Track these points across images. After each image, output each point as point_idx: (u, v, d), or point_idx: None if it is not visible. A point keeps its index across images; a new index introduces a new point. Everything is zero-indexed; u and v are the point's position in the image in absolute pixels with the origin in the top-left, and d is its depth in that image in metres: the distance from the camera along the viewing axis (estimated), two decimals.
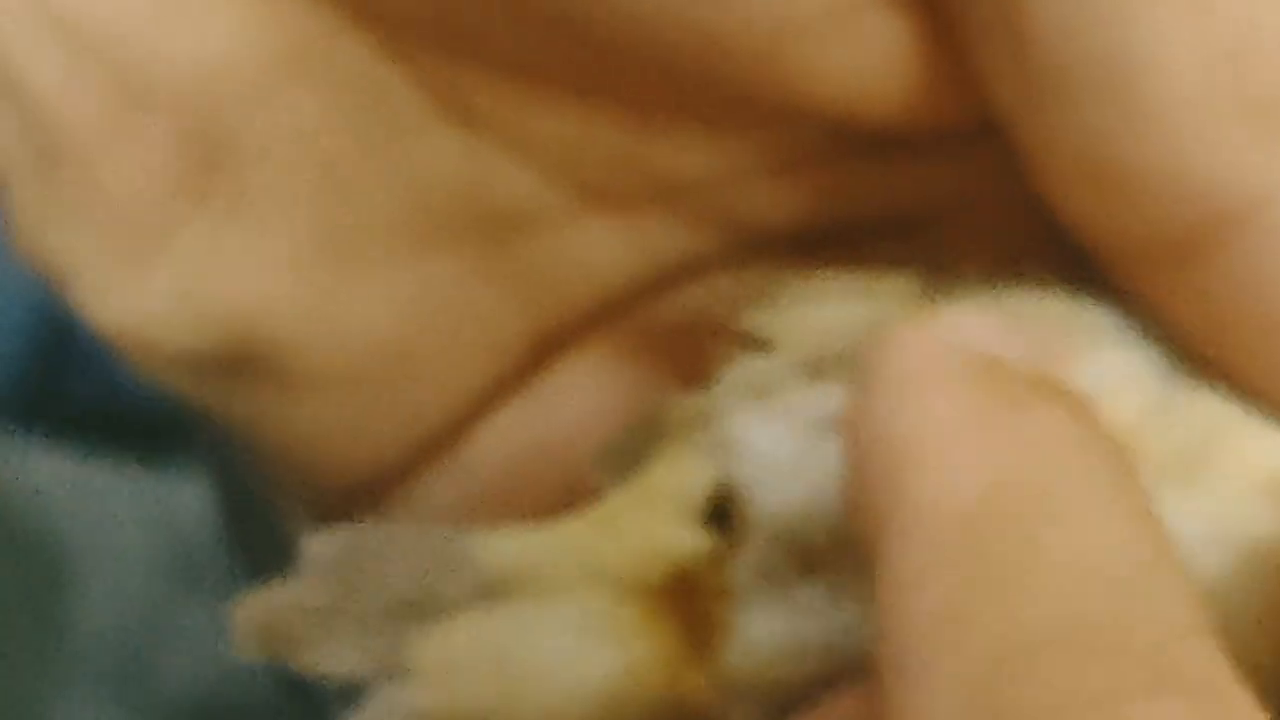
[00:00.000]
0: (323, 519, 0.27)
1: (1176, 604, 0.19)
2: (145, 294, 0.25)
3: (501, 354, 0.26)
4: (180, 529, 0.88)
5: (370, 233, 0.26)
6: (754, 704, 0.22)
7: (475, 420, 0.27)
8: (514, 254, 0.26)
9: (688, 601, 0.23)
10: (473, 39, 0.25)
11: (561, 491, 0.26)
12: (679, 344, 0.27)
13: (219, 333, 0.25)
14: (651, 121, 0.25)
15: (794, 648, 0.22)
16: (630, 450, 0.24)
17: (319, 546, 0.23)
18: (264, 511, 0.29)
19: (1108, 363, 0.23)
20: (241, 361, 0.25)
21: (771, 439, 0.23)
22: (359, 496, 0.27)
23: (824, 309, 0.24)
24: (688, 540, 0.23)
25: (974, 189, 0.26)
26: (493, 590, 0.23)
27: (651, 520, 0.23)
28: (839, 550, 0.22)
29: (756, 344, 0.24)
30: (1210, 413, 0.23)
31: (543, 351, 0.27)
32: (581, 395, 0.27)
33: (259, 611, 0.23)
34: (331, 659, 0.23)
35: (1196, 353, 0.23)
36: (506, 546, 0.23)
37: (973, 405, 0.20)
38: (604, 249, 0.26)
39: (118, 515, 0.82)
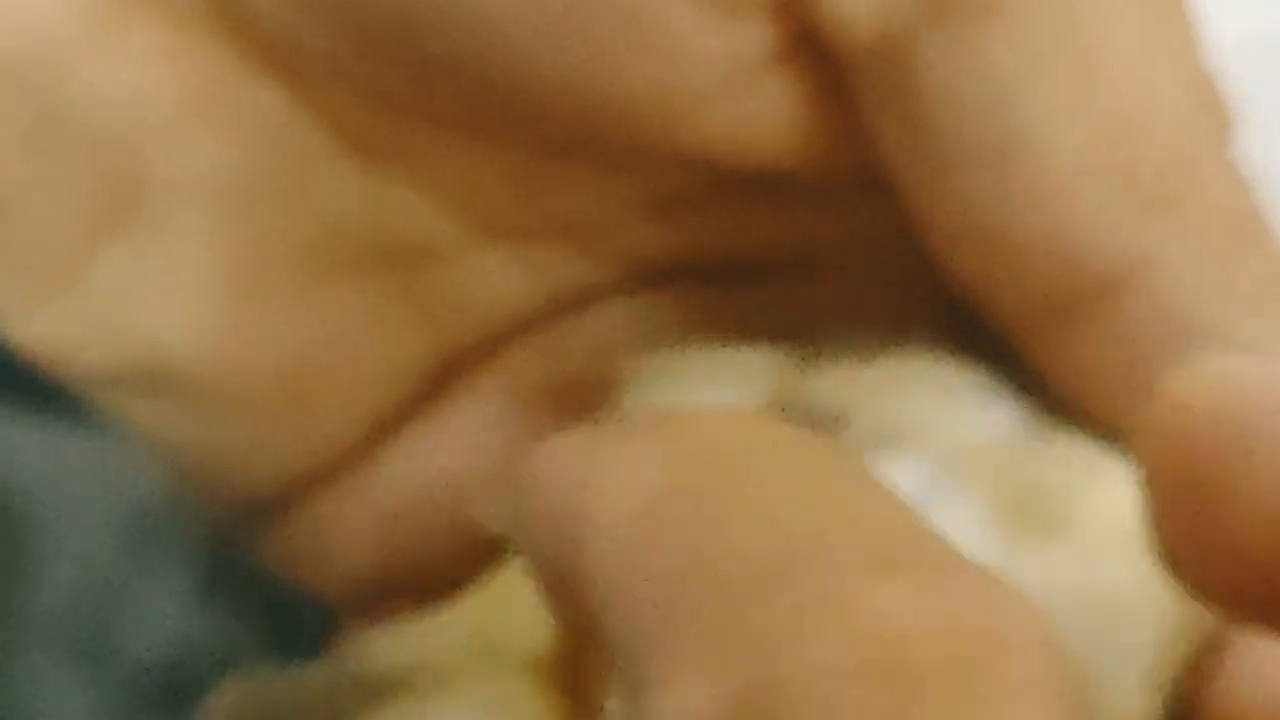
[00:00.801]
0: (231, 529, 0.28)
1: (885, 508, 0.18)
2: (61, 320, 0.26)
3: (403, 379, 0.27)
4: (139, 489, 0.89)
5: (277, 264, 0.27)
6: None
7: (378, 444, 0.28)
8: (415, 284, 0.27)
9: (576, 675, 0.23)
10: (374, 82, 0.26)
11: (458, 515, 0.27)
12: (570, 374, 0.27)
13: (131, 356, 0.26)
14: (545, 162, 0.27)
15: None
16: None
17: (227, 697, 0.24)
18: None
19: (967, 420, 0.24)
20: (153, 382, 0.26)
21: None
22: (264, 514, 0.28)
23: (692, 390, 0.24)
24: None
25: (862, 235, 0.27)
26: (394, 689, 0.24)
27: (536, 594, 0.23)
28: None
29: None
30: (1069, 464, 0.24)
31: (444, 377, 0.28)
32: (480, 421, 0.28)
33: None
34: None
35: (1071, 404, 0.24)
36: (398, 644, 0.24)
37: (626, 431, 0.20)
38: (501, 279, 0.28)
39: (76, 477, 0.82)
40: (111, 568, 0.91)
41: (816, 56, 0.25)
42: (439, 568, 0.27)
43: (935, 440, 0.23)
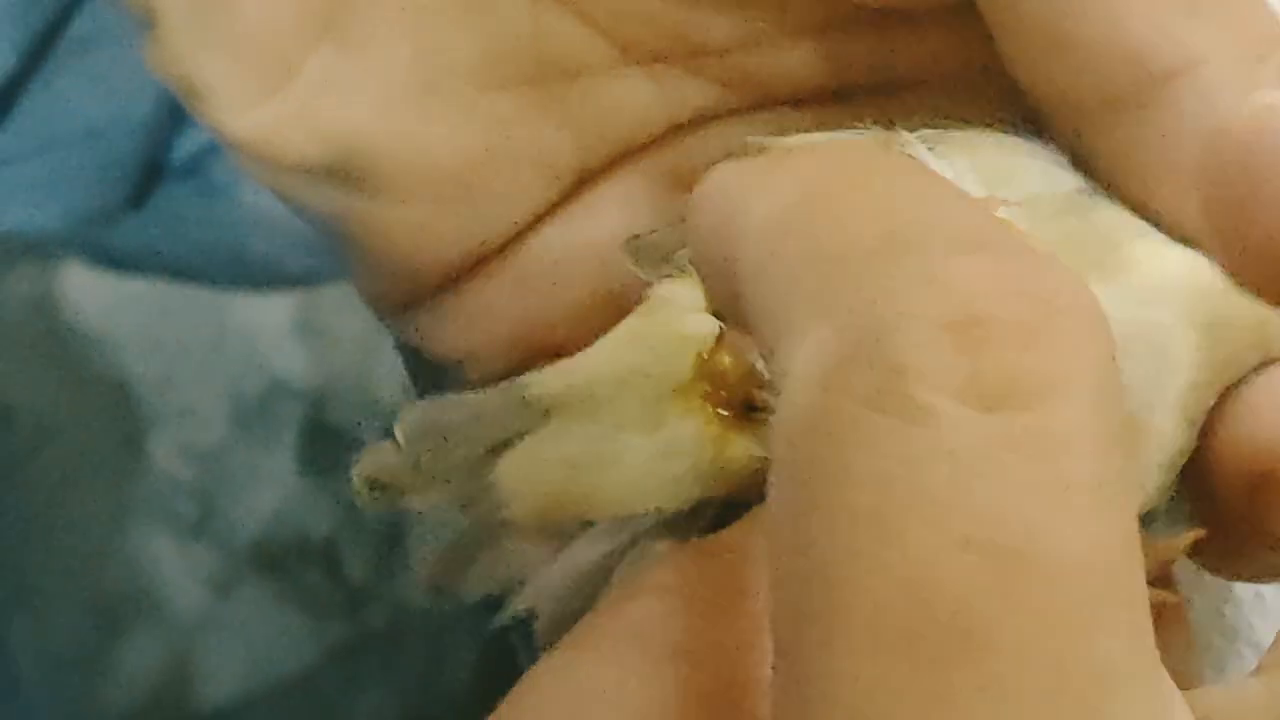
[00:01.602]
0: (398, 312, 0.31)
1: (969, 208, 0.23)
2: (272, 111, 0.29)
3: (552, 179, 0.31)
4: (244, 372, 0.91)
5: (454, 71, 0.30)
6: None
7: (527, 233, 0.31)
8: (565, 96, 0.31)
9: (722, 388, 0.26)
10: None
11: (597, 291, 0.30)
12: (691, 180, 0.31)
13: (328, 146, 0.29)
14: None
15: None
16: (655, 244, 0.28)
17: (409, 417, 0.27)
18: None
19: (1042, 172, 0.27)
20: (343, 171, 0.30)
21: None
22: (427, 293, 0.31)
23: None
24: (708, 323, 0.26)
25: (950, 58, 0.30)
26: (554, 411, 0.27)
27: (673, 320, 0.27)
28: None
29: None
30: (1122, 220, 0.27)
31: (585, 180, 0.31)
32: (615, 214, 0.31)
33: (367, 469, 0.27)
34: (426, 501, 0.27)
35: (1120, 190, 0.27)
36: (551, 379, 0.27)
37: (765, 165, 0.25)
38: (639, 97, 0.32)
39: (189, 353, 0.84)
40: (221, 448, 0.93)
41: None
42: (577, 338, 0.30)
43: (1018, 187, 0.26)
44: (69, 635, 0.84)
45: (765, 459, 0.24)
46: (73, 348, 0.84)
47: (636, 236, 0.29)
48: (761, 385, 0.26)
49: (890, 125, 0.28)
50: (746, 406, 0.26)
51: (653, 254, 0.29)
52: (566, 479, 0.26)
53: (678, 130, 0.32)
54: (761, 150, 0.26)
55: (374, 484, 0.27)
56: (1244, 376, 0.26)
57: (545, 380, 0.28)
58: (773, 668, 0.20)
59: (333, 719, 0.91)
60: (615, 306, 0.29)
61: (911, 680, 0.18)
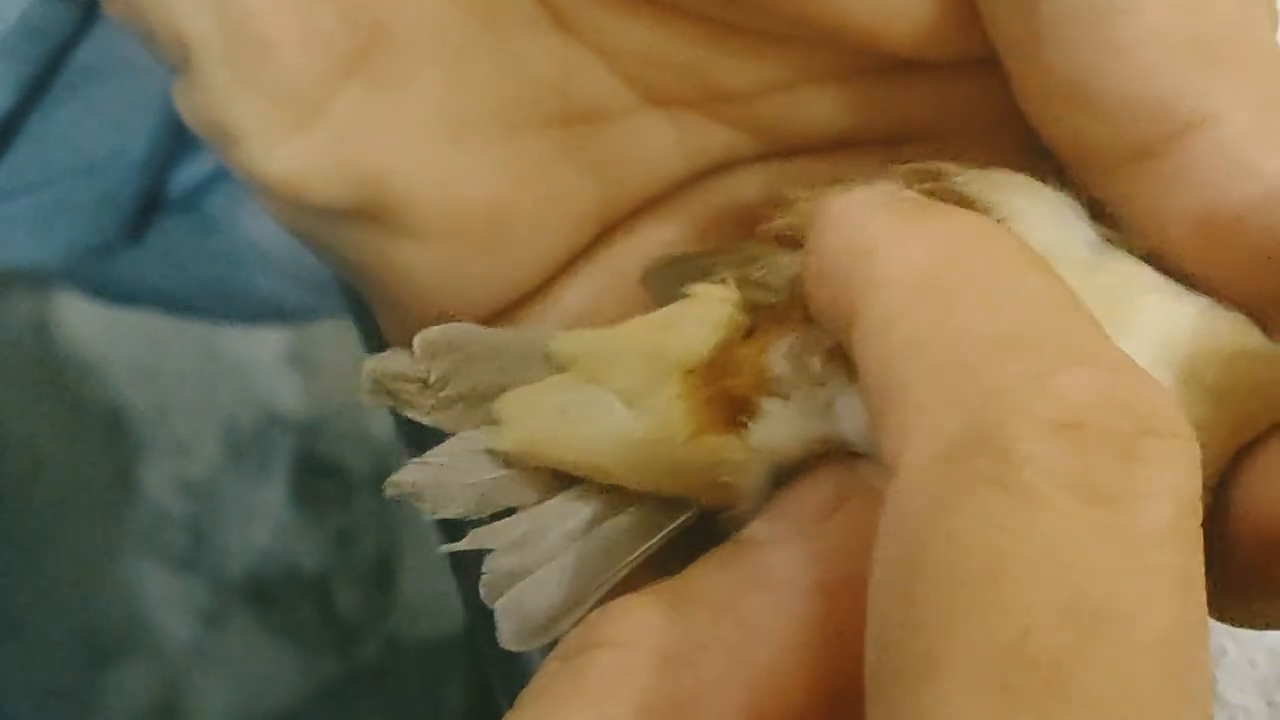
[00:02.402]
0: None
1: (1083, 318, 0.25)
2: (302, 150, 0.29)
3: (576, 224, 0.31)
4: (237, 404, 0.91)
5: (482, 114, 0.30)
6: (765, 471, 0.26)
7: (553, 281, 0.31)
8: (589, 141, 0.31)
9: (728, 384, 0.27)
10: None
11: None
12: (710, 226, 0.31)
13: (358, 185, 0.30)
14: (713, 37, 0.31)
15: (809, 435, 0.26)
16: (674, 271, 0.29)
17: (432, 333, 0.28)
18: None
19: (1049, 222, 0.28)
20: (370, 211, 0.30)
21: None
22: None
23: None
24: (737, 315, 0.27)
25: (971, 108, 0.30)
26: (567, 366, 0.28)
27: (704, 307, 0.27)
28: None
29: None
30: (1131, 277, 0.27)
31: (608, 226, 0.31)
32: (639, 261, 0.31)
33: (377, 370, 0.28)
34: (428, 417, 0.28)
35: (1140, 237, 0.28)
36: (576, 339, 0.28)
37: (903, 214, 0.26)
38: (661, 142, 0.32)
39: (182, 385, 0.84)
40: (212, 481, 0.93)
41: None
42: None
43: (1036, 233, 0.27)
44: (58, 665, 0.84)
45: (728, 467, 0.27)
46: (67, 378, 0.85)
47: (657, 265, 0.30)
48: (765, 391, 0.27)
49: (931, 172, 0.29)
50: (736, 411, 0.27)
51: (673, 283, 0.29)
52: (555, 425, 0.28)
53: (699, 177, 0.32)
54: (891, 190, 0.27)
55: (378, 386, 0.28)
56: (1262, 436, 0.26)
57: (570, 338, 0.28)
58: (867, 706, 0.22)
59: None
60: None
61: (1002, 715, 0.21)
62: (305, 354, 0.92)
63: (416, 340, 0.28)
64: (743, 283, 0.27)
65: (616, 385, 0.28)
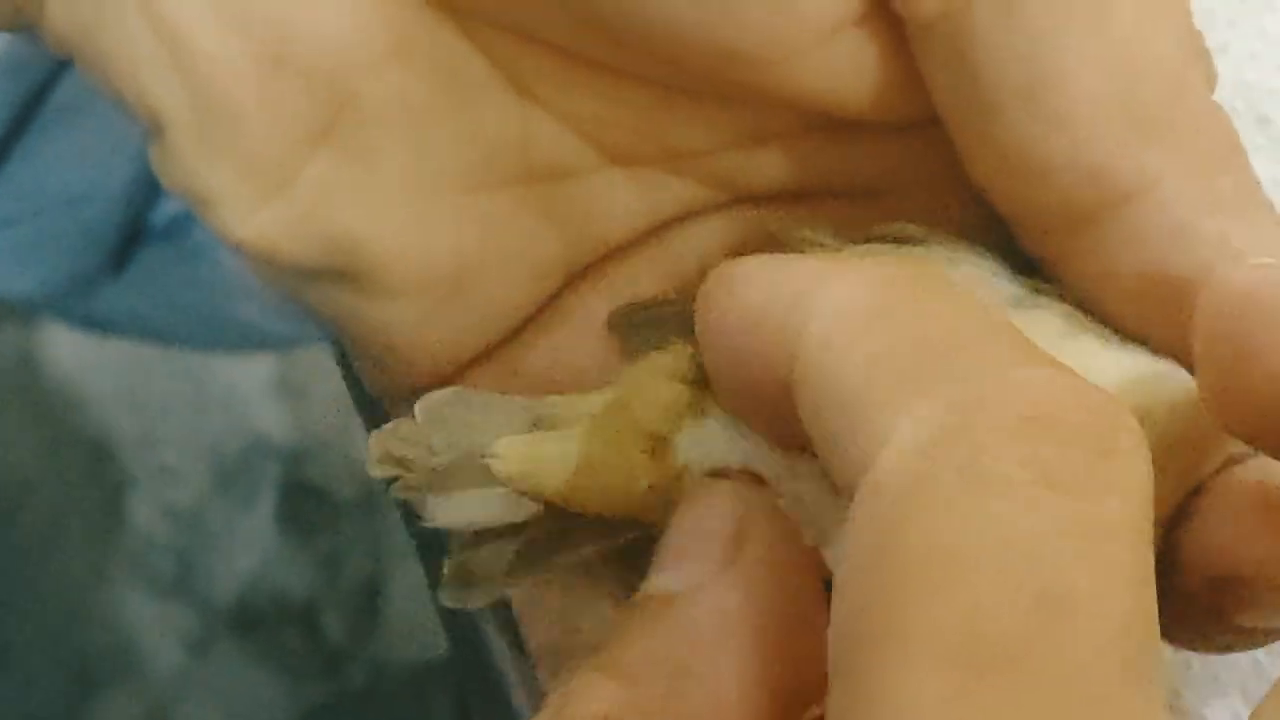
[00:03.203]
0: (404, 400, 0.32)
1: (1009, 324, 0.25)
2: (273, 217, 0.30)
3: (541, 276, 0.32)
4: (223, 432, 0.92)
5: (445, 175, 0.31)
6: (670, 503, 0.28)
7: (523, 330, 0.32)
8: (552, 197, 0.32)
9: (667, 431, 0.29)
10: (531, 28, 0.31)
11: (593, 384, 0.31)
12: (672, 279, 0.32)
13: (328, 248, 0.31)
14: (666, 100, 0.32)
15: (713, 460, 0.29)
16: (638, 318, 0.30)
17: (434, 399, 0.30)
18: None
19: (971, 282, 0.29)
20: (342, 272, 0.31)
21: None
22: (422, 388, 0.32)
23: None
24: (686, 393, 0.28)
25: (919, 164, 0.31)
26: (542, 424, 0.29)
27: (659, 386, 0.28)
28: None
29: None
30: (1046, 328, 0.28)
31: (573, 277, 0.32)
32: (605, 309, 0.32)
33: (386, 441, 0.29)
34: (429, 491, 0.29)
35: (1081, 299, 0.29)
36: (564, 405, 0.29)
37: (822, 259, 0.28)
38: (622, 196, 0.32)
39: (168, 413, 0.84)
40: (198, 510, 0.93)
41: (889, 20, 0.29)
42: None
43: (969, 277, 0.28)
44: (46, 694, 0.84)
45: (657, 485, 0.29)
46: (53, 408, 0.85)
47: (622, 312, 0.31)
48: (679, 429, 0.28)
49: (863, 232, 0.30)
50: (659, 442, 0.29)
51: (638, 330, 0.30)
52: (537, 467, 0.29)
53: (661, 227, 0.33)
54: (787, 246, 0.28)
55: (386, 457, 0.30)
56: (1206, 477, 0.27)
57: (556, 403, 0.30)
58: (829, 692, 0.23)
59: None
60: None
61: (959, 689, 0.22)
62: (291, 381, 0.93)
63: (419, 407, 0.30)
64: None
65: (591, 434, 0.29)
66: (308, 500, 0.92)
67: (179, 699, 0.87)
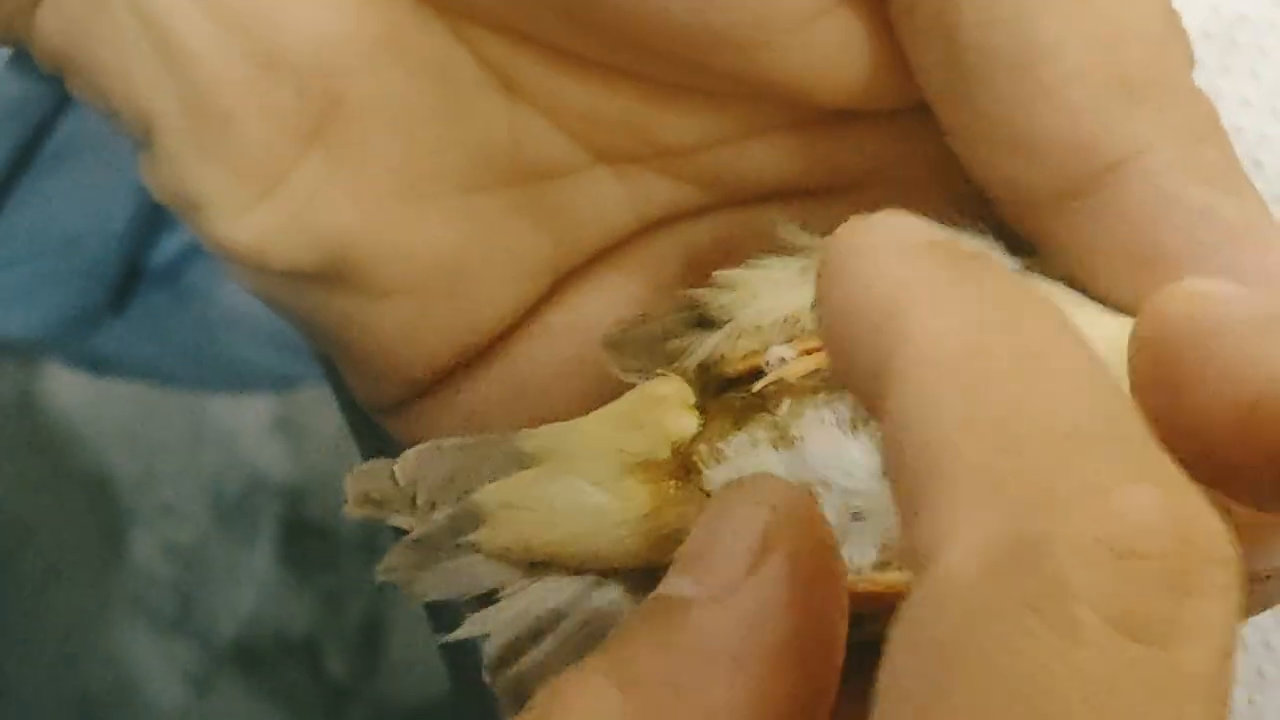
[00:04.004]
0: (382, 414, 0.32)
1: (1131, 412, 0.23)
2: (265, 218, 0.30)
3: (530, 276, 0.32)
4: (223, 470, 0.92)
5: (435, 175, 0.31)
6: None
7: (512, 333, 0.32)
8: (541, 197, 0.32)
9: (685, 467, 0.28)
10: (520, 24, 0.31)
11: (579, 390, 0.31)
12: (660, 279, 0.32)
13: (319, 250, 0.31)
14: (654, 95, 0.32)
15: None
16: (634, 338, 0.30)
17: (410, 456, 0.30)
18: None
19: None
20: (332, 273, 0.31)
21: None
22: (414, 393, 0.32)
23: (776, 293, 0.29)
24: (691, 422, 0.28)
25: (905, 155, 0.31)
26: (535, 462, 0.29)
27: (663, 417, 0.28)
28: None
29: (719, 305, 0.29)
30: (1048, 294, 0.28)
31: (562, 277, 0.32)
32: (595, 310, 0.32)
33: (363, 486, 0.29)
34: (409, 522, 0.29)
35: (1069, 275, 0.28)
36: (544, 435, 0.29)
37: (937, 270, 0.25)
38: (610, 196, 0.32)
39: (168, 451, 0.84)
40: (199, 546, 0.93)
41: (872, 2, 0.29)
42: None
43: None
44: None
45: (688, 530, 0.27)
46: (54, 447, 0.85)
47: (616, 331, 0.30)
48: (714, 458, 0.28)
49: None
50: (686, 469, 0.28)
51: (633, 348, 0.30)
52: (535, 518, 0.29)
53: (650, 227, 0.33)
54: (910, 227, 0.26)
55: (363, 499, 0.29)
56: None
57: (540, 436, 0.29)
58: None
59: None
60: (602, 401, 0.30)
61: None
62: (291, 419, 0.93)
63: (397, 467, 0.29)
64: (692, 369, 0.29)
65: (589, 478, 0.29)
66: (309, 538, 0.92)
67: None
